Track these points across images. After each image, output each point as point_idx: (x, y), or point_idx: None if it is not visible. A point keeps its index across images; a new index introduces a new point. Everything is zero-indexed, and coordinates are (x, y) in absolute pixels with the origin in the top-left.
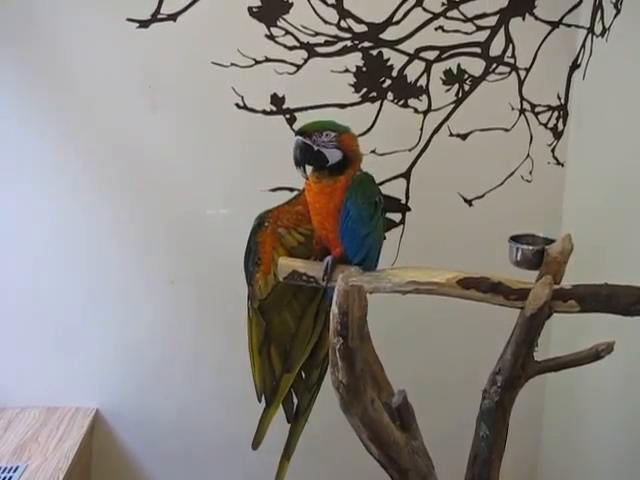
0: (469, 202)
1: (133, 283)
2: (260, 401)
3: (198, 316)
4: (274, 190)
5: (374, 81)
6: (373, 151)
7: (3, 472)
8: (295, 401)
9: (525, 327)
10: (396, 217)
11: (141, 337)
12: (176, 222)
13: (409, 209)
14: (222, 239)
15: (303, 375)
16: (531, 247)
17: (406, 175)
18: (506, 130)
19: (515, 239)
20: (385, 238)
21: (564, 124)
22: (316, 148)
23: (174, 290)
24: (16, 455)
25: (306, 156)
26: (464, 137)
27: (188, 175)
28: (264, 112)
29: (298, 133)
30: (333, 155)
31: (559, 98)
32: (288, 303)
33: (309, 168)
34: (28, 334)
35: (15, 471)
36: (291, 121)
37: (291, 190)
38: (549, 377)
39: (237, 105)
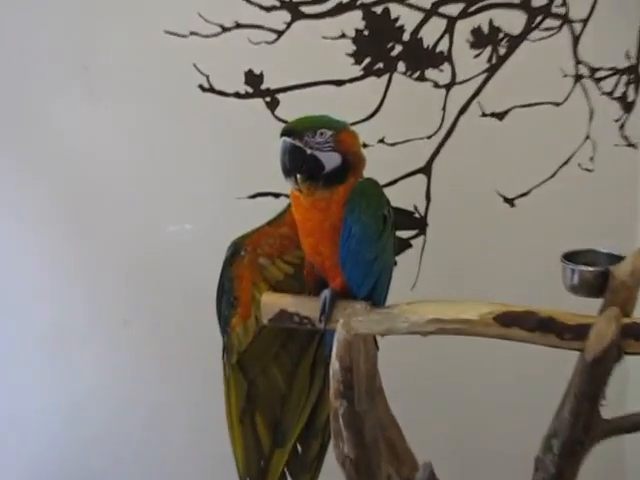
0: (510, 201)
1: (72, 325)
2: None
3: (160, 369)
4: (254, 197)
5: (380, 48)
6: (381, 140)
7: None
8: None
9: (587, 375)
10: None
11: (81, 398)
12: (127, 243)
13: (426, 224)
14: (189, 264)
15: (299, 449)
16: (591, 268)
17: (426, 170)
18: (557, 104)
19: (570, 257)
20: (396, 263)
21: (636, 92)
22: (309, 151)
23: (128, 334)
24: None
25: (298, 162)
26: (501, 116)
27: (141, 181)
28: (237, 95)
29: (285, 133)
30: (330, 160)
31: (628, 57)
32: (276, 355)
33: (299, 177)
34: None
35: None
36: (273, 105)
37: (276, 196)
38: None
39: (201, 87)
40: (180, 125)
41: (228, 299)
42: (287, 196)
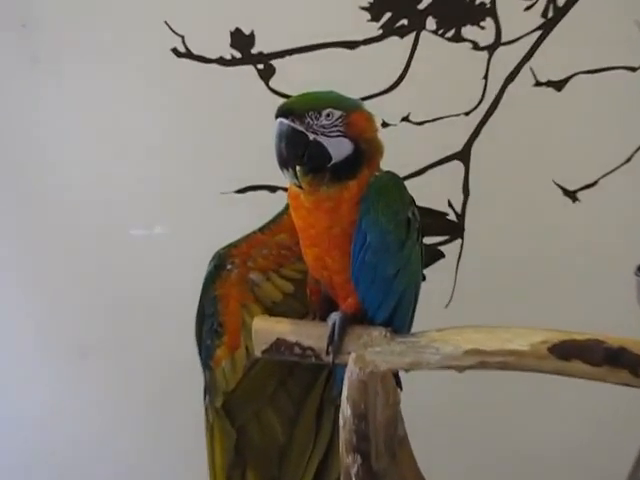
0: (572, 194)
1: (13, 357)
2: None
3: (126, 413)
4: (243, 191)
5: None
6: (406, 118)
7: None
8: None
9: None
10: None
11: (26, 449)
12: (83, 251)
13: (463, 227)
14: (160, 279)
15: None
16: None
17: (463, 156)
18: (632, 69)
19: None
20: (424, 278)
21: None
22: (312, 137)
23: (85, 367)
24: None
25: (297, 150)
26: (559, 86)
27: (100, 173)
28: (221, 61)
29: (281, 114)
30: (338, 147)
31: None
32: (272, 396)
33: (299, 170)
34: None
35: None
36: (266, 74)
37: (272, 190)
38: None
39: (175, 52)
40: (148, 100)
41: (211, 325)
42: (286, 190)
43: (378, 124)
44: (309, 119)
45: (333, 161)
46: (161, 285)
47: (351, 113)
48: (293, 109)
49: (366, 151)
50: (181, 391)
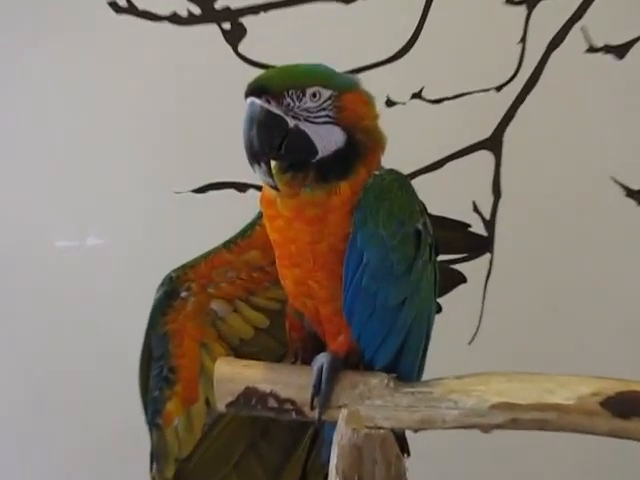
0: (637, 195)
1: None
2: None
3: None
4: (203, 190)
5: None
6: (417, 95)
7: None
8: None
9: None
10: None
11: None
12: None
13: (492, 241)
14: (93, 307)
15: None
16: None
17: (493, 144)
18: None
19: None
20: (440, 310)
21: None
22: (292, 123)
23: None
24: None
25: (273, 140)
26: (621, 52)
27: (15, 168)
28: (175, 19)
29: (253, 92)
30: (327, 138)
31: None
32: (241, 464)
33: (275, 165)
34: None
35: None
36: (235, 36)
37: (241, 189)
38: None
39: (114, 6)
40: (78, 71)
41: (159, 371)
42: (260, 189)
43: (380, 107)
44: (289, 100)
45: (319, 155)
46: (94, 314)
47: (344, 93)
48: (269, 86)
49: (362, 143)
50: (121, 457)
